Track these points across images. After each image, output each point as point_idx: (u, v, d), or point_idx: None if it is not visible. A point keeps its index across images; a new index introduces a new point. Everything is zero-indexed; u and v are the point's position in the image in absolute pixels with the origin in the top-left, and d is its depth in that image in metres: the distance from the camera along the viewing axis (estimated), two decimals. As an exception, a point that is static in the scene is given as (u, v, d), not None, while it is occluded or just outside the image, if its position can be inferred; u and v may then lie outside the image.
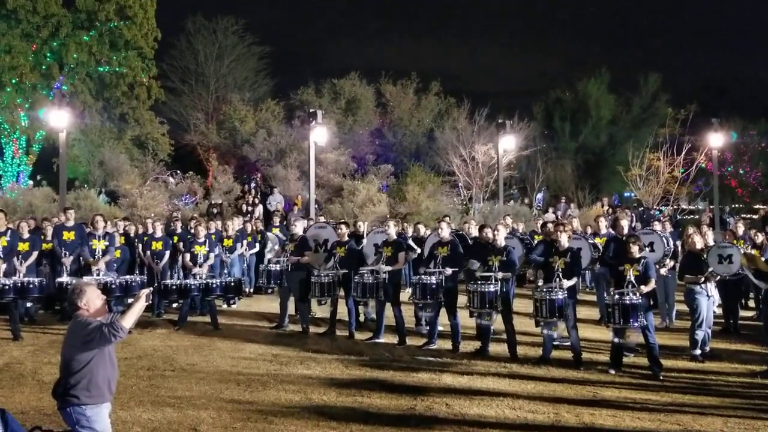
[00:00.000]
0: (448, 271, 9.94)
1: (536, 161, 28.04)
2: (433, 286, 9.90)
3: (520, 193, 29.14)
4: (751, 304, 13.29)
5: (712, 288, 9.62)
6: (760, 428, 6.54)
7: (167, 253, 13.28)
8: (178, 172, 26.21)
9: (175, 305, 12.86)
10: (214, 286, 11.71)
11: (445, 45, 68.22)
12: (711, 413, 7.01)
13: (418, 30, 72.94)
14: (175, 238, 13.89)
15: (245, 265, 15.50)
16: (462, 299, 10.15)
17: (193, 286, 11.63)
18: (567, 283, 9.00)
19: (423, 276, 10.05)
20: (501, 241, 9.84)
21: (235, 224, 15.20)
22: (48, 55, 27.32)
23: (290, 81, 32.81)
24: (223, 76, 33.11)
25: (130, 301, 6.04)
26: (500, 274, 9.52)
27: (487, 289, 9.40)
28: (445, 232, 10.36)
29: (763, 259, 9.19)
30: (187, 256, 12.25)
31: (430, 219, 19.51)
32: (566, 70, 57.40)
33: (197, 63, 32.94)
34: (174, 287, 11.84)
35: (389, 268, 10.56)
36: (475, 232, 12.21)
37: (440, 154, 27.10)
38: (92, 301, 4.94)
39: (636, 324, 8.42)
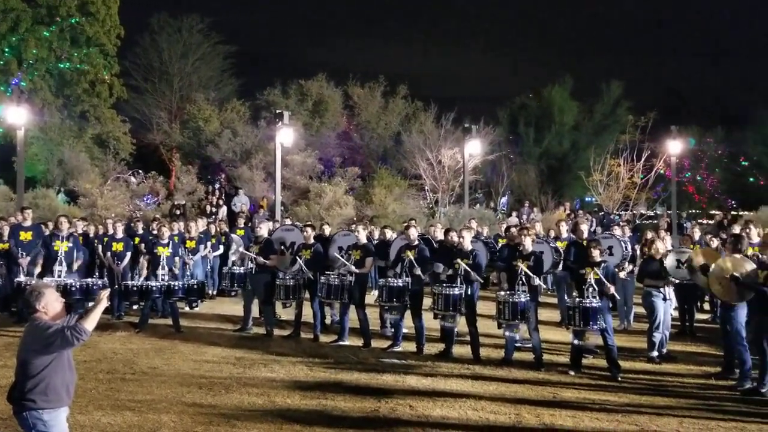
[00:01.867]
0: (417, 271, 9.99)
1: (501, 166, 28.36)
2: (400, 288, 9.94)
3: (485, 197, 29.39)
4: (707, 306, 13.62)
5: (669, 291, 9.85)
6: (714, 428, 6.71)
7: (128, 255, 13.08)
8: (140, 171, 25.86)
9: (135, 307, 12.68)
10: (176, 288, 11.55)
11: (412, 49, 68.57)
12: (667, 414, 7.17)
13: (386, 33, 73.18)
14: (137, 240, 13.69)
15: (209, 267, 15.34)
16: (426, 301, 10.22)
17: (154, 288, 11.46)
18: (535, 281, 9.13)
19: (389, 279, 10.10)
20: (467, 245, 9.92)
21: (198, 225, 15.04)
22: (6, 50, 26.71)
23: (256, 81, 32.66)
24: (187, 74, 32.76)
25: (90, 304, 5.95)
26: (473, 277, 9.60)
27: (451, 292, 9.48)
28: (413, 236, 10.41)
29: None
30: (149, 257, 12.07)
31: (397, 222, 19.56)
32: (531, 76, 58.15)
33: (161, 61, 32.53)
34: (135, 289, 11.61)
35: (357, 270, 10.59)
36: (440, 235, 12.30)
37: (407, 158, 27.22)
38: (51, 303, 4.84)
39: (596, 326, 8.59)
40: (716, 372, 8.85)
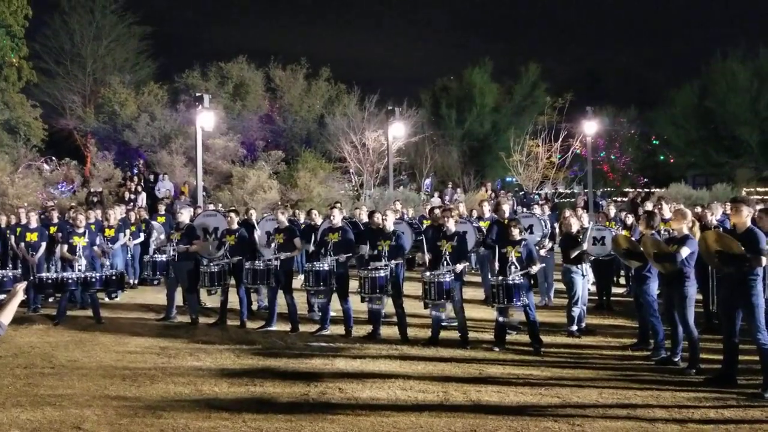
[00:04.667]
0: (342, 257, 10.01)
1: (424, 148, 28.63)
2: (326, 272, 9.94)
3: (410, 178, 29.67)
4: (622, 281, 14.22)
5: (586, 267, 10.23)
6: (631, 398, 7.02)
7: (43, 245, 12.56)
8: (54, 158, 24.79)
9: (52, 300, 12.18)
10: (94, 279, 11.09)
11: (334, 31, 68.06)
12: (588, 385, 7.46)
13: (307, 15, 72.35)
14: (53, 229, 13.15)
15: (129, 255, 14.92)
16: (353, 284, 10.25)
17: (70, 280, 10.94)
18: (458, 267, 9.30)
19: (315, 263, 10.07)
20: (390, 227, 10.00)
21: (116, 213, 14.59)
22: None
23: (174, 63, 31.75)
24: (101, 57, 31.50)
25: (3, 297, 5.69)
26: (393, 262, 9.70)
27: (377, 275, 9.54)
28: (337, 219, 10.41)
29: (634, 238, 9.84)
30: (65, 247, 11.61)
31: (322, 205, 19.52)
32: (452, 58, 58.80)
33: (73, 43, 31.15)
34: (50, 281, 11.04)
35: (286, 254, 10.52)
36: (366, 217, 12.34)
37: (331, 141, 27.12)
38: (-40, 298, 4.62)
39: (518, 303, 8.83)
40: (632, 343, 9.26)
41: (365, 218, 12.52)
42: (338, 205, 12.80)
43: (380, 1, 76.00)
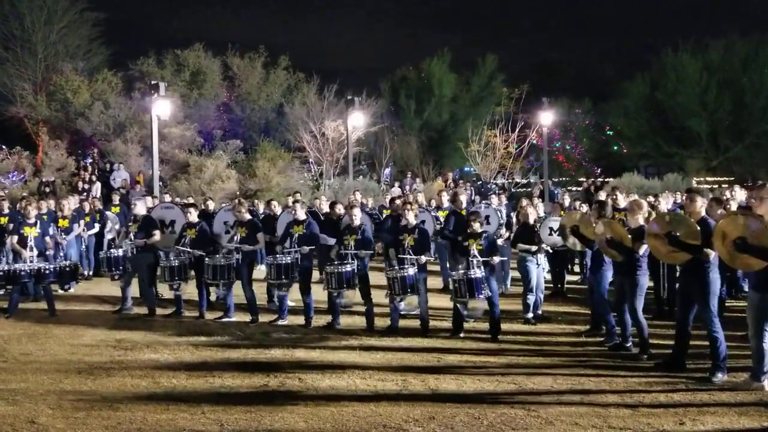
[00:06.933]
0: (305, 249, 9.99)
1: (384, 137, 28.70)
2: (288, 265, 9.91)
3: (369, 168, 29.71)
4: (577, 269, 14.52)
5: (541, 257, 10.42)
6: (585, 383, 7.20)
7: (-7, 237, 12.22)
8: (4, 147, 24.16)
9: (2, 292, 11.88)
10: (48, 271, 10.83)
11: (292, 19, 67.47)
12: (543, 372, 7.62)
13: (265, 3, 71.48)
14: (3, 219, 12.81)
15: (83, 246, 14.65)
16: (315, 275, 10.25)
17: (23, 272, 10.67)
18: (423, 259, 9.39)
19: (278, 255, 10.03)
20: (357, 221, 10.00)
21: (70, 203, 14.29)
22: None
23: (129, 50, 31.05)
24: (52, 43, 30.56)
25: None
26: (363, 252, 9.73)
27: (344, 270, 9.55)
28: (300, 211, 10.36)
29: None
30: (15, 238, 11.31)
31: (281, 195, 19.42)
32: (411, 48, 58.88)
33: (23, 29, 30.13)
34: (2, 273, 10.71)
35: (251, 247, 10.48)
36: (326, 208, 12.33)
37: (290, 130, 26.98)
38: None
39: (481, 296, 8.96)
40: (585, 330, 9.50)
41: (325, 208, 12.50)
42: (298, 195, 12.78)
43: (338, -11, 75.39)
